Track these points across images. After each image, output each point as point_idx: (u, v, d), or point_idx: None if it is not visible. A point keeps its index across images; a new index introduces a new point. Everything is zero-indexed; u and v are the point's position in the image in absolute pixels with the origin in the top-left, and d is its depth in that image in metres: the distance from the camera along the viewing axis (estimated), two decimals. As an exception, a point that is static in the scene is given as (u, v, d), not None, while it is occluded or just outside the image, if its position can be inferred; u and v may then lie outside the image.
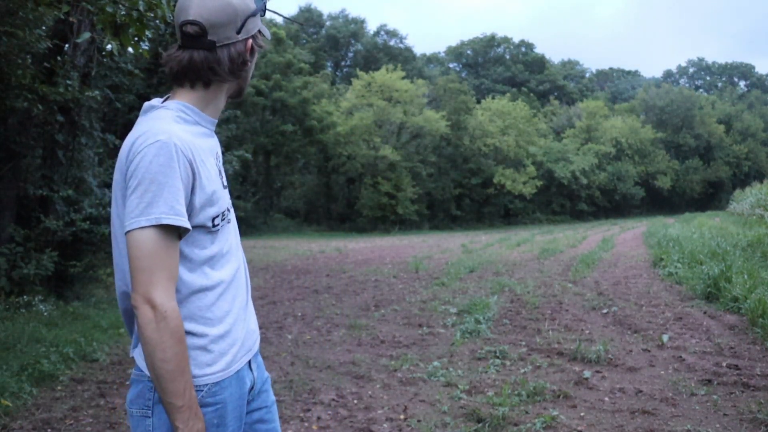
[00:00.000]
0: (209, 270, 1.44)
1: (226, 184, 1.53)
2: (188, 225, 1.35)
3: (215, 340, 1.43)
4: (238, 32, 1.47)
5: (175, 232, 1.34)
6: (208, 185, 1.41)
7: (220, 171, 1.51)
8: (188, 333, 1.39)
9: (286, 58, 32.42)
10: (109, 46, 7.84)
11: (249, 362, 1.55)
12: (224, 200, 1.48)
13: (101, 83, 8.63)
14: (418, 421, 3.76)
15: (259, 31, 1.54)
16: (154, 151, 1.33)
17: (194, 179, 1.38)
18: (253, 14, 1.50)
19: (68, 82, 7.24)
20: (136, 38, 4.32)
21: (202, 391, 1.41)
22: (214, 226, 1.44)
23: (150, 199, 1.31)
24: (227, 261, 1.49)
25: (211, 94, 1.51)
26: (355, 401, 4.15)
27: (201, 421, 1.35)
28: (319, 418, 3.83)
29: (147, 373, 1.38)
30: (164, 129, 1.38)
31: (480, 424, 3.63)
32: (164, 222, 1.31)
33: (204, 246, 1.43)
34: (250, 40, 1.50)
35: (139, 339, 1.34)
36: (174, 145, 1.35)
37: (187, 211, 1.37)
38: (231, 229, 1.53)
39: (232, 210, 1.55)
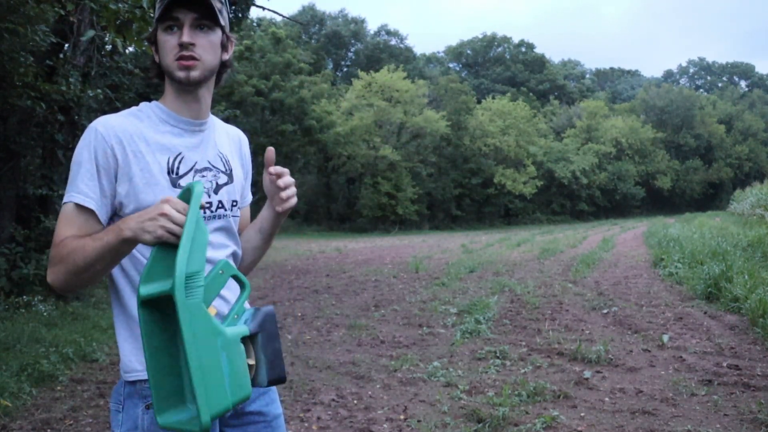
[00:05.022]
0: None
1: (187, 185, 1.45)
2: (90, 205, 1.36)
3: None
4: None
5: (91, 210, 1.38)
6: (139, 176, 1.40)
7: (172, 170, 1.44)
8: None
9: (285, 58, 32.39)
10: (109, 47, 7.86)
11: None
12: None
13: (101, 83, 8.62)
14: (418, 421, 3.75)
15: (156, 20, 1.42)
16: (82, 136, 1.42)
17: (117, 166, 1.38)
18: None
19: (70, 80, 7.24)
20: (139, 35, 4.32)
21: None
22: None
23: (70, 179, 1.39)
24: None
25: (168, 93, 1.49)
26: (355, 401, 4.14)
27: (128, 219, 1.26)
28: (319, 418, 3.83)
29: (122, 374, 1.44)
30: (101, 117, 1.42)
31: (480, 425, 3.62)
32: (73, 201, 1.37)
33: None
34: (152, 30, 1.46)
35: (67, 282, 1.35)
36: (95, 130, 1.40)
37: (112, 196, 1.39)
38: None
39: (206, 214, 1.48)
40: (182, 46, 1.41)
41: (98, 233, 1.32)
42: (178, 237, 1.19)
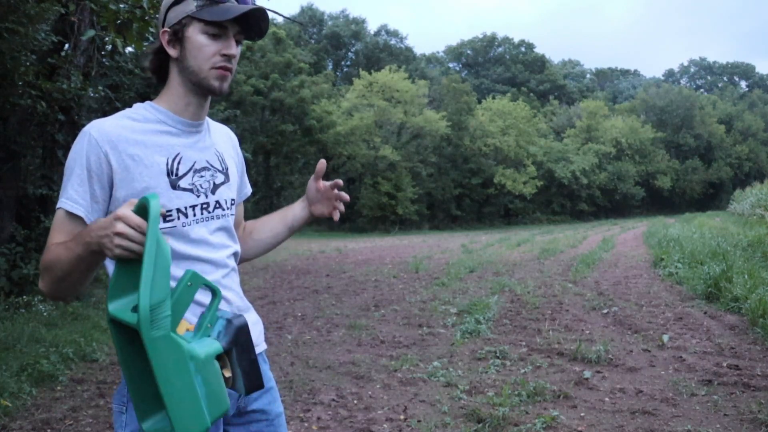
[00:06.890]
0: None
1: (188, 187, 1.45)
2: (78, 211, 1.36)
3: None
4: (163, 25, 1.45)
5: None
6: (138, 180, 1.38)
7: (171, 171, 1.43)
8: None
9: (285, 58, 32.40)
10: (109, 47, 7.85)
11: None
12: (170, 200, 1.41)
13: (101, 83, 8.62)
14: (418, 421, 3.75)
15: (193, 17, 1.40)
16: (75, 141, 1.41)
17: (112, 172, 1.37)
18: (176, 2, 1.42)
19: (72, 77, 7.24)
20: (139, 35, 4.33)
21: None
22: None
23: (63, 185, 1.39)
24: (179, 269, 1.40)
25: (173, 91, 1.47)
26: (355, 401, 4.14)
27: (90, 230, 1.23)
28: (319, 418, 3.83)
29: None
30: (95, 122, 1.42)
31: (480, 425, 3.62)
32: (62, 207, 1.37)
33: None
34: (166, 32, 1.44)
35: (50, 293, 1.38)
36: (88, 134, 1.39)
37: (105, 201, 1.39)
38: (191, 234, 1.44)
39: (199, 215, 1.47)
40: (226, 57, 1.42)
41: (70, 242, 1.29)
42: (137, 253, 1.15)
